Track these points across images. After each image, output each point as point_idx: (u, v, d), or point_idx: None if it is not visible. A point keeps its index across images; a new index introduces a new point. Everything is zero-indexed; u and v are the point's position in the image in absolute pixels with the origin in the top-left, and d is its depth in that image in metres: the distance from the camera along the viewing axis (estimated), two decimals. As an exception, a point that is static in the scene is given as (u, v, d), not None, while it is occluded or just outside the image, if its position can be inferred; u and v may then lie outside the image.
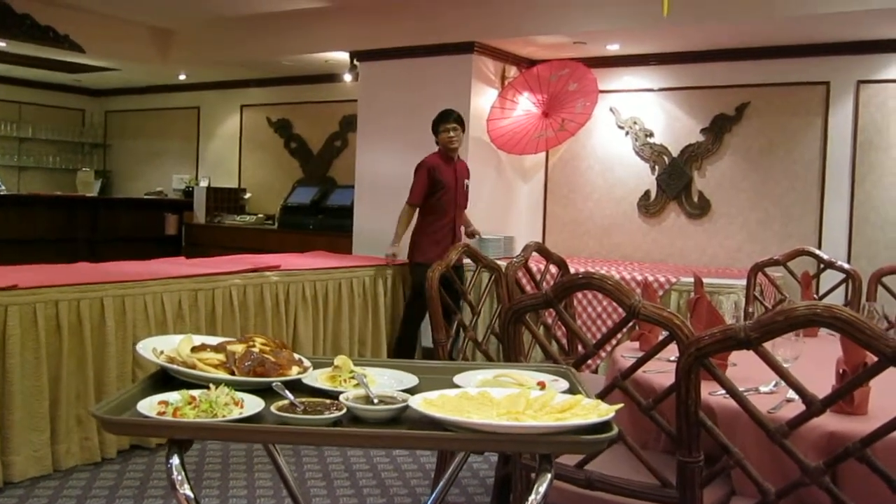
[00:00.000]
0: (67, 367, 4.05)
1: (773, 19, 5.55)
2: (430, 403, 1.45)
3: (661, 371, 2.77)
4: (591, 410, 1.40)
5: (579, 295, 5.84)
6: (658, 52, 6.70)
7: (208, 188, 9.20)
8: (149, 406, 1.45)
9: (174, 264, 5.27)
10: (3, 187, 8.88)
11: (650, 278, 5.65)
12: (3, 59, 8.25)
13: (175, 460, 1.40)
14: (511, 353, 2.70)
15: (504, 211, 7.13)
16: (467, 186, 5.96)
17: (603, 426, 1.35)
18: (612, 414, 1.36)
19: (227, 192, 9.31)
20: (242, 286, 4.92)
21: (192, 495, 1.39)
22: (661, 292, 5.57)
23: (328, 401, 1.51)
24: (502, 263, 3.89)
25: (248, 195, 9.41)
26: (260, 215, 8.89)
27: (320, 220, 8.02)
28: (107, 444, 4.24)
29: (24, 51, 7.80)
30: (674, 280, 5.65)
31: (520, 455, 2.75)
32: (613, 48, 6.65)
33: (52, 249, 7.85)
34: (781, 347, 2.59)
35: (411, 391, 1.58)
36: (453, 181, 5.83)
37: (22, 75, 9.57)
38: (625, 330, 4.25)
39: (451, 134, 5.72)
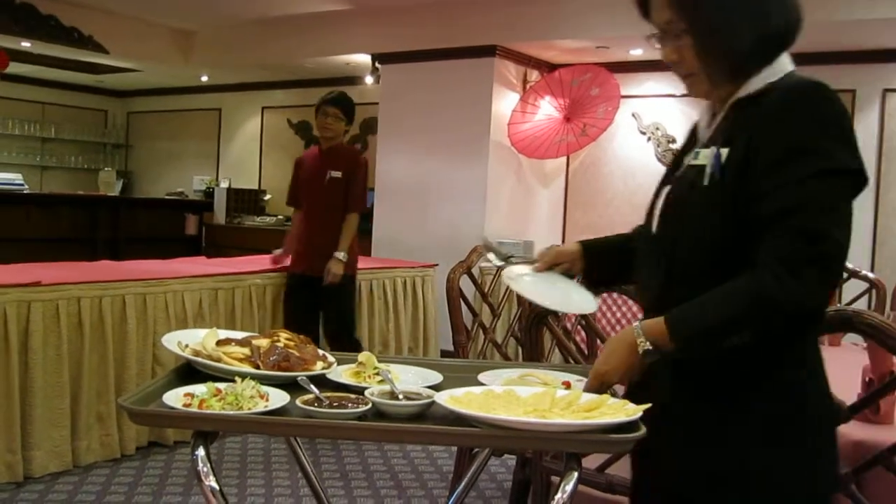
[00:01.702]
0: (89, 363, 4.07)
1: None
2: (455, 400, 1.44)
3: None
4: (618, 410, 1.39)
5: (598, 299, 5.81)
6: (681, 58, 6.65)
7: (228, 189, 9.24)
8: (175, 398, 1.45)
9: (195, 263, 5.30)
10: (27, 186, 8.95)
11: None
12: (27, 59, 8.32)
13: (200, 452, 1.39)
14: (532, 356, 2.69)
15: (524, 215, 7.12)
16: (332, 179, 4.89)
17: (630, 426, 1.34)
18: (639, 413, 1.35)
19: (247, 193, 9.35)
20: (262, 286, 4.93)
21: (217, 487, 1.39)
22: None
23: (353, 395, 1.50)
24: (523, 267, 3.87)
25: (268, 196, 9.44)
26: (280, 216, 8.91)
27: (340, 223, 8.02)
28: (126, 441, 4.25)
29: (49, 51, 7.86)
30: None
31: (540, 457, 2.73)
32: (636, 53, 6.63)
33: (73, 249, 7.89)
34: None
35: (436, 388, 1.57)
36: (313, 175, 4.97)
37: (46, 76, 9.66)
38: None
39: (327, 119, 4.97)
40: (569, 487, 1.34)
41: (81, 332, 4.05)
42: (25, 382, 3.83)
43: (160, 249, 7.51)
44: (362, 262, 5.93)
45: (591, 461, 2.49)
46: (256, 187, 9.56)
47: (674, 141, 6.82)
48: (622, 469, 2.47)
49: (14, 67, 8.46)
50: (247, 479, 4.03)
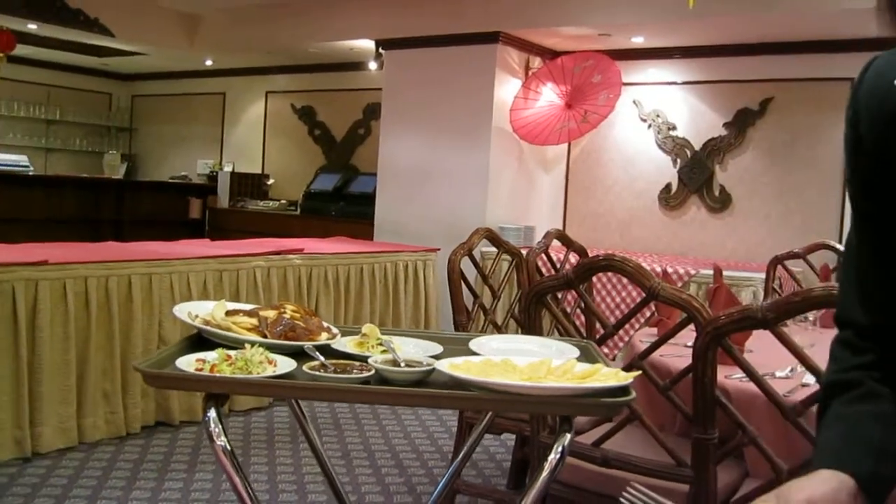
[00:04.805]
0: (95, 342, 4.14)
1: (798, 14, 5.55)
2: (455, 367, 1.50)
3: (679, 355, 2.81)
4: (611, 377, 1.45)
5: (598, 284, 5.88)
6: (682, 46, 6.71)
7: (232, 173, 9.30)
8: (187, 363, 1.52)
9: (199, 245, 5.36)
10: (32, 168, 9.00)
11: (670, 269, 5.68)
12: (33, 41, 8.36)
13: (212, 413, 1.46)
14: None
15: (525, 201, 7.17)
16: None
17: (621, 391, 1.40)
18: (630, 379, 1.41)
19: (250, 177, 9.41)
20: (266, 268, 4.99)
21: (229, 447, 1.45)
22: (680, 283, 5.60)
23: (357, 363, 1.57)
24: (522, 253, 3.93)
25: (271, 181, 9.50)
26: (283, 201, 8.98)
27: (342, 207, 8.09)
28: (131, 419, 4.32)
29: (54, 34, 7.91)
30: (693, 272, 5.68)
31: (537, 433, 2.80)
32: (638, 41, 6.67)
33: (77, 230, 7.97)
34: (797, 335, 2.60)
35: (436, 358, 1.64)
36: None
37: (51, 58, 9.70)
38: (643, 320, 4.28)
39: None
40: (561, 448, 1.40)
41: (88, 310, 4.12)
42: (33, 360, 3.89)
43: (164, 232, 7.59)
44: (363, 247, 6.00)
45: (587, 436, 2.56)
46: (260, 171, 9.62)
47: (674, 128, 6.87)
48: (617, 445, 2.54)
49: (20, 49, 8.49)
50: (250, 456, 4.11)
